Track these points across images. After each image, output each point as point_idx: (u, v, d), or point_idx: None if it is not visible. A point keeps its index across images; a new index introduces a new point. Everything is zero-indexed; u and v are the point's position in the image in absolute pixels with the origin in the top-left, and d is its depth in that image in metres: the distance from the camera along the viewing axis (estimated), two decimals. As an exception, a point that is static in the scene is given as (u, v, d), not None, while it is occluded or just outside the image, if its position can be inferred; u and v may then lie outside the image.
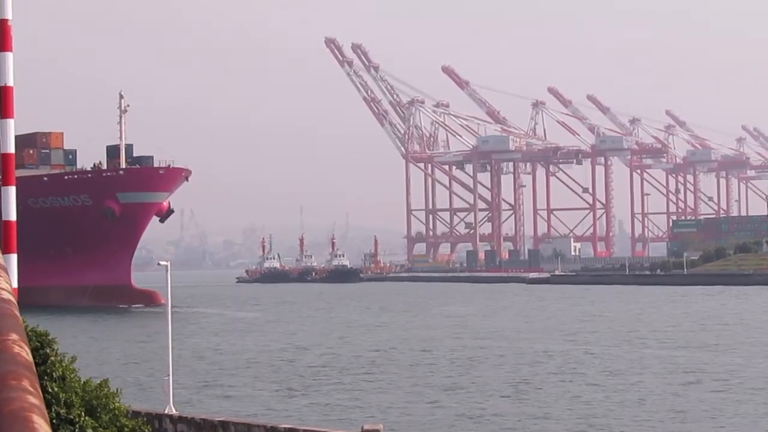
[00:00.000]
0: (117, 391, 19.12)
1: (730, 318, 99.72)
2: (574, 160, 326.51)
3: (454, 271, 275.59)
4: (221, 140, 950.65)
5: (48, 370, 16.68)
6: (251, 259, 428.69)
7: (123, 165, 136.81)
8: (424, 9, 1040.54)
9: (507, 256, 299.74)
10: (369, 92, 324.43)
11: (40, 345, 16.80)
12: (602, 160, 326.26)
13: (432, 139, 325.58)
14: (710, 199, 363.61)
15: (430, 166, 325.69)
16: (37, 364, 13.98)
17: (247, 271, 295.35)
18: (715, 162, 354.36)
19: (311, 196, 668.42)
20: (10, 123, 25.26)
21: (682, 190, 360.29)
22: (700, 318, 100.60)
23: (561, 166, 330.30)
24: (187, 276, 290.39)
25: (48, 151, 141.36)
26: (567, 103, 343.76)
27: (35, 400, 3.72)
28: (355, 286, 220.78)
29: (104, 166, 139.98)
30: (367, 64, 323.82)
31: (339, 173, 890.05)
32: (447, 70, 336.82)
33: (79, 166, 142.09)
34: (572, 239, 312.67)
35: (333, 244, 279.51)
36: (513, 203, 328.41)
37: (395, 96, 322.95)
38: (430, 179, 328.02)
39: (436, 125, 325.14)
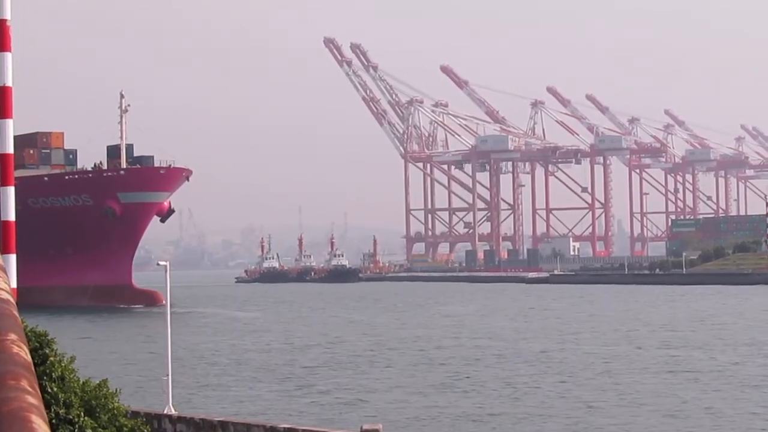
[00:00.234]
0: (116, 391, 19.11)
1: (729, 317, 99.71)
2: (573, 160, 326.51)
3: (453, 270, 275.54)
4: (221, 140, 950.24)
5: (47, 370, 16.70)
6: (250, 259, 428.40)
7: (123, 165, 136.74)
8: (423, 9, 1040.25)
9: (506, 256, 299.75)
10: (368, 92, 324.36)
11: (39, 345, 16.82)
12: (601, 159, 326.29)
13: (431, 139, 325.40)
14: (709, 198, 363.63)
15: (429, 165, 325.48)
16: (36, 365, 14.03)
17: (246, 271, 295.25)
18: (714, 161, 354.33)
19: (310, 196, 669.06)
20: (9, 123, 25.25)
21: (681, 190, 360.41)
22: (699, 317, 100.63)
23: (560, 165, 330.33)
24: (186, 276, 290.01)
25: (48, 151, 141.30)
26: (566, 102, 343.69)
27: (34, 400, 3.74)
28: (354, 286, 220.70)
29: (105, 166, 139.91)
30: (366, 63, 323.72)
31: (338, 173, 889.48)
32: (446, 70, 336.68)
33: (79, 166, 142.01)
34: (571, 239, 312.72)
35: (332, 243, 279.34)
36: (512, 203, 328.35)
37: (394, 96, 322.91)
38: (429, 179, 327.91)
39: (435, 125, 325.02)
